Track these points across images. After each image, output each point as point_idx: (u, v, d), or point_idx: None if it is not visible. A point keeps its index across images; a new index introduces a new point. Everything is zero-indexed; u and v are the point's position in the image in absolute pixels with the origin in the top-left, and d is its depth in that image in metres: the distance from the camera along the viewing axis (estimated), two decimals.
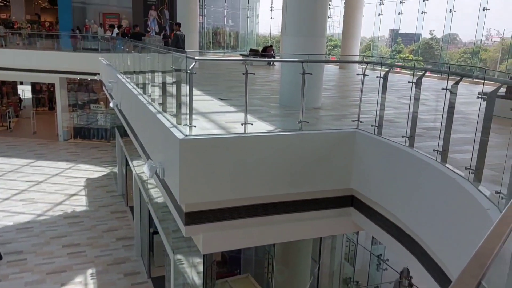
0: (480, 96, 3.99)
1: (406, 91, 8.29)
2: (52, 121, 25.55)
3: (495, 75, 18.87)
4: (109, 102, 14.23)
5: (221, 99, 9.18)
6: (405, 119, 6.30)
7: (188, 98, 5.70)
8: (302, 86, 6.39)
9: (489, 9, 15.06)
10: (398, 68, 21.24)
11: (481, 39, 17.17)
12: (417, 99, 5.53)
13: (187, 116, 5.62)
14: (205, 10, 26.58)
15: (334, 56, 26.21)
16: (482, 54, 20.71)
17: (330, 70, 19.34)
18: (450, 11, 16.48)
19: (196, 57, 5.71)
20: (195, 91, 5.83)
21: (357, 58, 20.56)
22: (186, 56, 5.78)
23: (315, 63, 8.35)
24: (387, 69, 6.31)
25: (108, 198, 17.50)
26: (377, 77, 6.17)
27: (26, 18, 29.06)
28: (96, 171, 20.48)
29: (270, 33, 30.51)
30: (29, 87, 29.76)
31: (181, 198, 5.39)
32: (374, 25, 21.34)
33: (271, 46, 22.24)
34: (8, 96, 28.60)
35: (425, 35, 22.63)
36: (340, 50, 21.20)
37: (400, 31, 22.49)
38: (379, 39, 23.73)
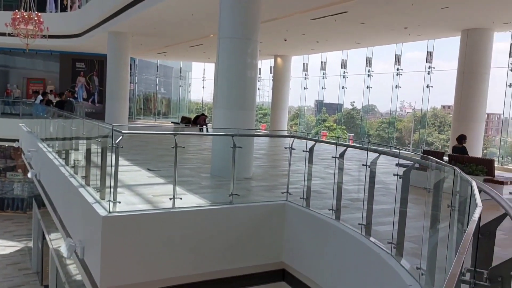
0: (396, 174, 4.27)
1: (332, 160, 8.72)
2: None
3: (410, 144, 20.60)
4: (28, 171, 13.24)
5: (149, 170, 8.95)
6: (332, 190, 6.54)
7: (113, 171, 5.47)
8: (233, 159, 6.45)
9: (400, 87, 16.92)
10: (324, 135, 22.57)
11: (396, 110, 18.92)
12: (341, 171, 5.79)
13: (112, 191, 5.36)
14: (136, 77, 26.71)
15: (265, 124, 27.14)
16: (398, 124, 22.64)
17: (261, 138, 19.94)
18: (367, 87, 18.19)
19: (123, 131, 5.57)
20: (122, 161, 5.64)
21: (285, 126, 21.46)
22: (112, 129, 5.63)
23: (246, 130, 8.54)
24: (313, 143, 6.60)
25: (20, 277, 15.69)
26: (303, 151, 6.43)
27: None
28: (8, 246, 18.46)
29: (202, 100, 31.14)
30: None
31: (102, 282, 4.96)
32: (300, 96, 22.69)
33: (203, 114, 22.54)
34: None
35: (347, 105, 24.40)
36: (270, 118, 22.07)
37: (325, 101, 24.04)
38: (306, 108, 25.13)
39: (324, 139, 6.76)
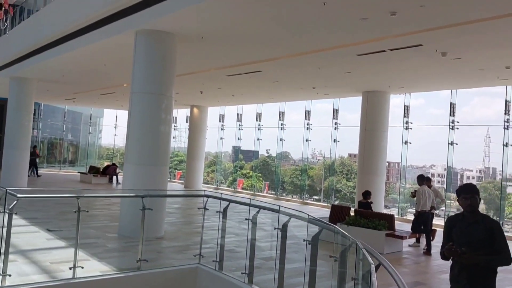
0: (305, 240, 4.39)
1: (247, 214, 8.72)
2: None
3: (321, 190, 21.55)
4: None
5: (49, 231, 8.18)
6: (245, 248, 6.51)
7: (4, 242, 4.89)
8: (142, 222, 6.16)
9: (310, 140, 17.95)
10: (241, 183, 22.78)
11: (308, 158, 19.85)
12: (254, 229, 5.81)
13: (2, 265, 4.77)
14: (40, 123, 24.98)
15: (180, 171, 26.68)
16: (310, 171, 23.68)
17: (176, 188, 19.51)
18: (281, 140, 18.98)
19: (19, 195, 5.05)
20: (17, 220, 5.08)
21: (201, 175, 21.30)
22: (6, 193, 5.08)
23: (157, 191, 8.26)
24: (227, 204, 6.57)
25: None
26: (217, 212, 6.38)
27: None
28: None
29: (114, 144, 29.87)
30: None
31: None
32: (217, 144, 22.86)
33: (114, 164, 21.55)
34: None
35: (263, 152, 25.10)
36: (185, 166, 21.76)
37: (241, 148, 24.44)
38: (223, 155, 25.30)
39: (238, 199, 6.78)
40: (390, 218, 8.69)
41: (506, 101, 12.06)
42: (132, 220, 7.88)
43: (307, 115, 17.83)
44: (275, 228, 5.16)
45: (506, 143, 12.11)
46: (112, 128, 28.16)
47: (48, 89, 17.91)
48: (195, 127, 20.83)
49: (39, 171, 20.99)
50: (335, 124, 16.84)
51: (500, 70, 9.70)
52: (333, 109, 16.81)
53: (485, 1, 5.99)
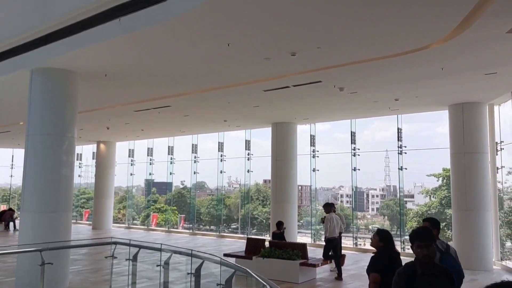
0: (219, 284, 4.34)
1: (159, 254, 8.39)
2: None
3: (238, 219, 21.57)
4: None
5: None
6: None
7: None
8: (41, 278, 5.62)
9: (225, 172, 18.04)
10: (155, 217, 21.92)
11: (224, 186, 19.84)
12: (167, 281, 5.59)
13: None
14: None
15: (88, 210, 24.98)
16: (227, 200, 23.67)
17: (83, 231, 18.17)
18: (195, 173, 18.78)
19: None
20: None
21: (111, 212, 20.17)
22: None
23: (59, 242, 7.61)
24: (137, 249, 6.28)
25: None
26: (126, 259, 6.05)
27: None
28: None
29: (10, 185, 27.09)
30: None
31: None
32: (127, 178, 21.88)
33: (10, 209, 19.54)
34: None
35: (177, 183, 24.54)
36: (93, 203, 20.45)
37: (155, 180, 23.67)
38: (135, 189, 24.27)
39: (149, 244, 6.51)
40: (303, 247, 8.95)
41: (398, 128, 13.34)
42: (31, 275, 7.14)
43: (221, 146, 17.95)
44: (188, 273, 5.03)
45: (401, 166, 13.33)
46: (8, 168, 25.60)
47: None
48: (103, 164, 19.79)
49: None
50: (248, 154, 17.16)
51: (390, 102, 10.76)
52: (245, 140, 17.14)
53: (371, 44, 6.65)
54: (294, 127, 14.30)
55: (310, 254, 9.31)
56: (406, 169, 13.35)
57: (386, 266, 3.98)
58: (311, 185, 16.38)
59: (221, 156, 17.92)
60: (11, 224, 18.33)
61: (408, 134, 13.65)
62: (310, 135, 15.22)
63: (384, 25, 5.86)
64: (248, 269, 3.96)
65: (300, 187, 18.72)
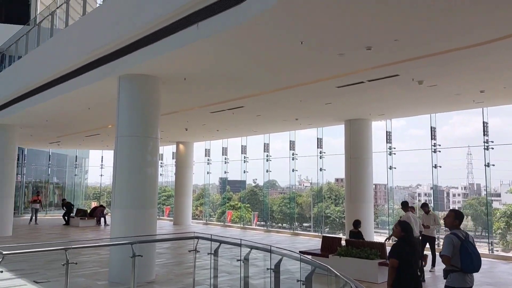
0: (299, 280, 4.40)
1: (238, 250, 8.62)
2: None
3: (311, 217, 21.47)
4: None
5: (36, 283, 7.97)
6: (239, 287, 6.45)
7: None
8: (133, 269, 6.08)
9: (297, 170, 18.08)
10: (229, 218, 22.56)
11: (295, 185, 19.89)
12: (246, 276, 5.77)
13: None
14: (24, 168, 24.62)
15: (169, 206, 26.37)
16: (298, 199, 23.68)
17: (165, 227, 19.24)
18: (267, 171, 19.05)
19: (4, 252, 4.97)
20: (4, 274, 4.94)
21: (190, 209, 21.09)
22: None
23: (147, 236, 8.16)
24: (218, 245, 6.54)
25: None
26: (208, 253, 6.33)
27: None
28: None
29: (100, 184, 29.50)
30: None
31: None
32: (204, 177, 22.80)
33: (101, 205, 21.27)
34: None
35: (250, 181, 25.06)
36: (174, 202, 21.56)
37: (228, 179, 24.38)
38: (210, 186, 25.18)
39: (229, 239, 6.76)
40: (382, 246, 8.71)
41: (483, 122, 12.42)
42: (122, 266, 7.76)
43: (292, 145, 18.01)
44: (267, 269, 5.14)
45: (488, 163, 12.39)
46: (98, 168, 27.92)
47: (31, 134, 17.79)
48: (182, 163, 20.80)
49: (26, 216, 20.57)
50: (320, 153, 17.02)
51: (475, 94, 10.05)
52: (317, 138, 17.02)
53: (453, 33, 6.29)
54: (369, 124, 13.90)
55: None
56: (493, 165, 12.39)
57: (407, 253, 4.71)
58: (387, 184, 15.84)
59: (293, 154, 17.97)
60: (102, 219, 19.94)
61: (493, 129, 12.61)
62: (386, 131, 14.71)
63: (465, 12, 5.52)
64: (329, 267, 3.97)
65: (374, 186, 18.12)
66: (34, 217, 19.92)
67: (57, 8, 12.31)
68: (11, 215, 15.52)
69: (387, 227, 16.06)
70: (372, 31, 6.20)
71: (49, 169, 26.68)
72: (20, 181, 23.70)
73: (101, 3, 9.95)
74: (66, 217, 19.98)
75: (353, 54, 7.22)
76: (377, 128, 14.71)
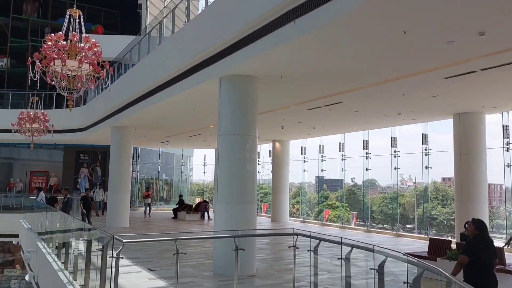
0: (406, 282, 4.17)
1: (337, 249, 8.44)
2: None
3: (415, 219, 20.27)
4: (26, 273, 12.85)
5: (150, 270, 8.71)
6: (340, 286, 6.33)
7: (112, 284, 5.32)
8: (235, 262, 6.32)
9: (399, 168, 17.16)
10: (326, 217, 22.29)
11: (397, 184, 18.93)
12: (348, 276, 5.63)
13: None
14: (138, 166, 27.08)
15: (266, 204, 26.97)
16: (400, 199, 22.50)
17: (263, 223, 19.68)
18: (367, 169, 18.41)
19: (124, 240, 5.51)
20: (122, 261, 5.48)
21: (287, 207, 21.27)
22: (113, 238, 5.57)
23: (248, 231, 8.43)
24: (317, 242, 6.49)
25: None
26: (308, 250, 6.32)
27: None
28: None
29: (204, 181, 31.25)
30: None
31: None
32: (300, 175, 22.85)
33: (205, 201, 22.50)
34: None
35: (348, 180, 24.48)
36: (271, 198, 21.95)
37: (325, 178, 24.10)
38: (307, 185, 25.15)
39: (328, 236, 6.66)
40: (500, 251, 7.86)
41: None
42: (225, 259, 8.12)
43: (394, 142, 17.15)
44: (370, 269, 4.96)
45: None
46: (201, 166, 29.64)
47: (144, 135, 19.51)
48: (278, 161, 21.08)
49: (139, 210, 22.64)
50: (425, 149, 15.93)
51: None
52: (422, 134, 15.97)
53: None
54: (482, 117, 12.63)
55: (508, 260, 8.14)
56: None
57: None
58: (504, 183, 14.29)
59: (395, 152, 17.11)
60: (206, 214, 21.10)
61: None
62: (502, 125, 13.25)
63: None
64: (441, 270, 3.69)
65: (487, 198, 16.45)
66: (148, 211, 21.81)
67: (164, 17, 13.31)
68: (127, 208, 17.18)
69: (504, 232, 14.50)
70: (486, 13, 5.61)
71: (159, 166, 29.01)
72: (134, 177, 26.09)
73: (203, 9, 10.51)
74: (178, 211, 21.50)
75: (463, 41, 6.62)
76: (492, 122, 13.34)
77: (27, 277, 11.09)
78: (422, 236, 15.59)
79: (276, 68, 8.41)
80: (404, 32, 6.22)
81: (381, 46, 7.03)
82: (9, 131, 16.77)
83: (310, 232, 6.55)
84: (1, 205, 21.79)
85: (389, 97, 10.94)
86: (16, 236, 17.74)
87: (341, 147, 19.70)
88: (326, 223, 20.68)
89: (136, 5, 25.94)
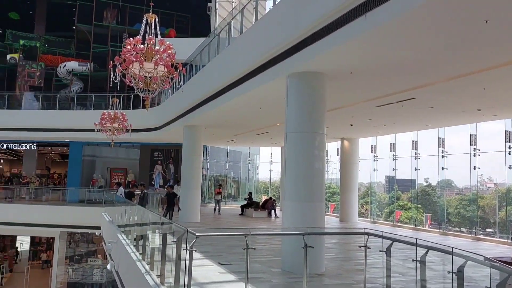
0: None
1: (411, 251, 8.08)
2: (47, 275, 24.53)
3: (496, 222, 18.81)
4: (107, 262, 13.86)
5: (220, 264, 8.96)
6: None
7: (186, 279, 5.56)
8: (305, 260, 6.30)
9: (479, 168, 16.00)
10: (397, 218, 21.42)
11: (476, 185, 17.69)
12: (423, 279, 5.39)
13: None
14: (208, 163, 27.97)
15: (334, 203, 26.53)
16: (480, 201, 21.02)
17: (331, 223, 19.40)
18: (442, 169, 17.40)
19: (197, 234, 5.73)
20: (194, 255, 5.70)
21: (356, 207, 20.75)
22: (187, 232, 5.81)
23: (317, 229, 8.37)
24: (390, 242, 6.28)
25: None
26: (380, 251, 6.14)
27: (36, 172, 30.33)
28: None
29: (270, 179, 31.52)
30: (27, 238, 29.39)
31: None
32: (370, 174, 22.17)
33: (271, 198, 22.69)
34: (5, 250, 28.01)
35: (421, 181, 23.33)
36: (339, 198, 21.57)
37: (397, 177, 23.18)
38: (376, 184, 24.37)
39: (401, 237, 6.40)
40: None
41: None
42: (293, 256, 8.15)
43: (473, 139, 16.03)
44: (448, 272, 4.70)
45: None
46: (267, 164, 29.92)
47: (213, 133, 20.12)
48: (347, 160, 20.62)
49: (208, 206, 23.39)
50: (509, 148, 14.71)
51: None
52: (505, 131, 14.75)
53: None
54: None
55: None
56: None
57: None
58: None
59: (474, 150, 15.98)
60: (273, 211, 21.27)
61: None
62: None
63: None
64: None
65: None
66: (218, 207, 22.48)
67: (232, 19, 13.61)
68: (198, 204, 17.83)
69: None
70: None
71: (227, 164, 29.75)
72: (204, 174, 26.99)
73: (270, 8, 10.60)
74: (246, 208, 21.91)
75: None
76: None
77: (108, 266, 11.94)
78: (505, 240, 14.44)
79: (345, 63, 8.25)
80: (486, 22, 5.80)
81: (459, 37, 6.61)
82: (92, 130, 18.11)
83: (382, 232, 6.34)
84: (85, 199, 23.74)
85: (468, 92, 10.25)
86: (98, 228, 19.23)
87: (414, 145, 18.81)
88: (398, 224, 19.89)
89: (205, 8, 26.82)
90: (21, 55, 29.49)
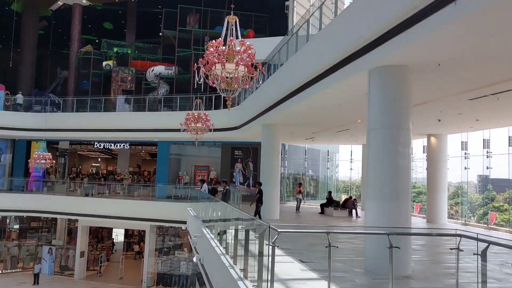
0: None
1: (509, 255, 7.39)
2: (139, 266, 26.47)
3: None
4: (193, 255, 14.56)
5: (301, 261, 8.97)
6: None
7: (269, 274, 5.66)
8: (390, 261, 6.09)
9: None
10: (492, 221, 19.69)
11: None
12: None
13: None
14: (286, 161, 28.09)
15: (419, 204, 25.14)
16: None
17: (418, 223, 18.44)
18: None
19: (279, 230, 5.81)
20: (276, 251, 5.79)
21: (445, 208, 19.46)
22: (269, 228, 5.91)
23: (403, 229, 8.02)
24: (486, 245, 5.80)
25: None
26: (474, 254, 5.71)
27: (128, 169, 32.88)
28: None
29: (350, 178, 30.80)
30: (122, 231, 31.97)
31: None
32: (461, 173, 20.67)
33: (351, 197, 22.17)
34: (103, 240, 30.77)
35: None
36: (425, 198, 20.42)
37: (491, 177, 21.39)
38: (468, 184, 22.65)
39: (499, 240, 5.88)
40: None
41: None
42: (377, 257, 7.90)
43: None
44: None
45: None
46: (347, 162, 29.26)
47: (291, 132, 20.17)
48: (434, 157, 19.41)
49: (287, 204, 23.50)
50: None
51: None
52: None
53: None
54: None
55: None
56: None
57: None
58: None
59: None
60: (354, 211, 20.77)
61: None
62: None
63: None
64: None
65: None
66: (298, 206, 22.52)
67: (311, 15, 13.52)
68: (277, 201, 18.00)
69: None
70: None
71: (305, 162, 29.63)
72: (283, 172, 27.18)
73: (350, 2, 10.35)
74: (325, 207, 21.68)
75: None
76: None
77: (194, 259, 12.54)
78: None
79: (433, 55, 7.79)
80: None
81: None
82: (178, 130, 19.12)
83: (477, 233, 5.90)
84: (172, 195, 25.20)
85: None
86: (184, 222, 20.29)
87: (511, 141, 17.17)
88: (493, 226, 18.31)
89: (283, 7, 26.95)
90: (114, 62, 32.13)
